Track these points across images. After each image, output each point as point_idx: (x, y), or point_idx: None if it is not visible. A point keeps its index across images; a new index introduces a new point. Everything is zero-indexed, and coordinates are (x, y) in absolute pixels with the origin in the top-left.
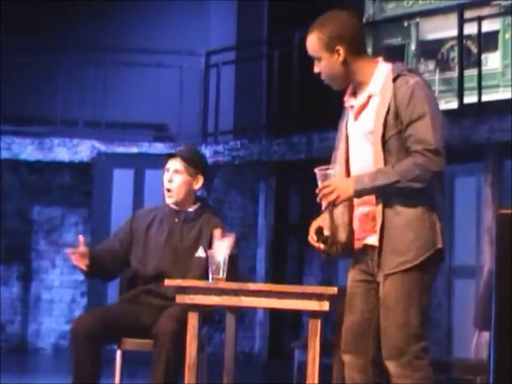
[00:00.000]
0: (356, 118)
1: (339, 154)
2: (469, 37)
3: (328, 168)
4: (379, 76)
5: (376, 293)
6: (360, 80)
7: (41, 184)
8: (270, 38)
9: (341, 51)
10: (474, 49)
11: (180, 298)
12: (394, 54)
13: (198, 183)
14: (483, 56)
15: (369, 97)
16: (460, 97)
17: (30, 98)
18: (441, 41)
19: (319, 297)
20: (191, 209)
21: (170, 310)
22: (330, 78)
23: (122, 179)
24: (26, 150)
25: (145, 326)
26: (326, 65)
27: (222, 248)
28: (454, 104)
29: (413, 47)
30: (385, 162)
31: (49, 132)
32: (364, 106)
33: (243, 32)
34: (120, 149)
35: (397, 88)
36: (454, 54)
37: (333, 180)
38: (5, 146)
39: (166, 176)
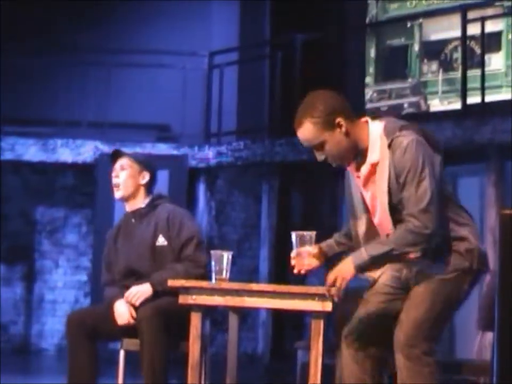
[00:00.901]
0: (366, 188)
1: (362, 217)
2: (472, 37)
3: (304, 232)
4: (374, 140)
5: (401, 299)
6: (362, 148)
7: (44, 185)
8: (272, 39)
9: (342, 121)
10: (478, 50)
11: (182, 299)
12: (398, 55)
13: (145, 178)
14: (486, 57)
15: (371, 166)
16: (463, 97)
17: (32, 99)
18: (445, 42)
19: (322, 297)
20: (142, 205)
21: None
22: (340, 156)
23: None
24: (29, 150)
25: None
26: (332, 144)
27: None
28: (457, 105)
29: (416, 47)
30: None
31: (52, 133)
32: (369, 177)
33: (246, 33)
34: (123, 150)
35: (393, 153)
36: (457, 54)
37: (334, 269)
38: (8, 147)
39: (113, 174)
